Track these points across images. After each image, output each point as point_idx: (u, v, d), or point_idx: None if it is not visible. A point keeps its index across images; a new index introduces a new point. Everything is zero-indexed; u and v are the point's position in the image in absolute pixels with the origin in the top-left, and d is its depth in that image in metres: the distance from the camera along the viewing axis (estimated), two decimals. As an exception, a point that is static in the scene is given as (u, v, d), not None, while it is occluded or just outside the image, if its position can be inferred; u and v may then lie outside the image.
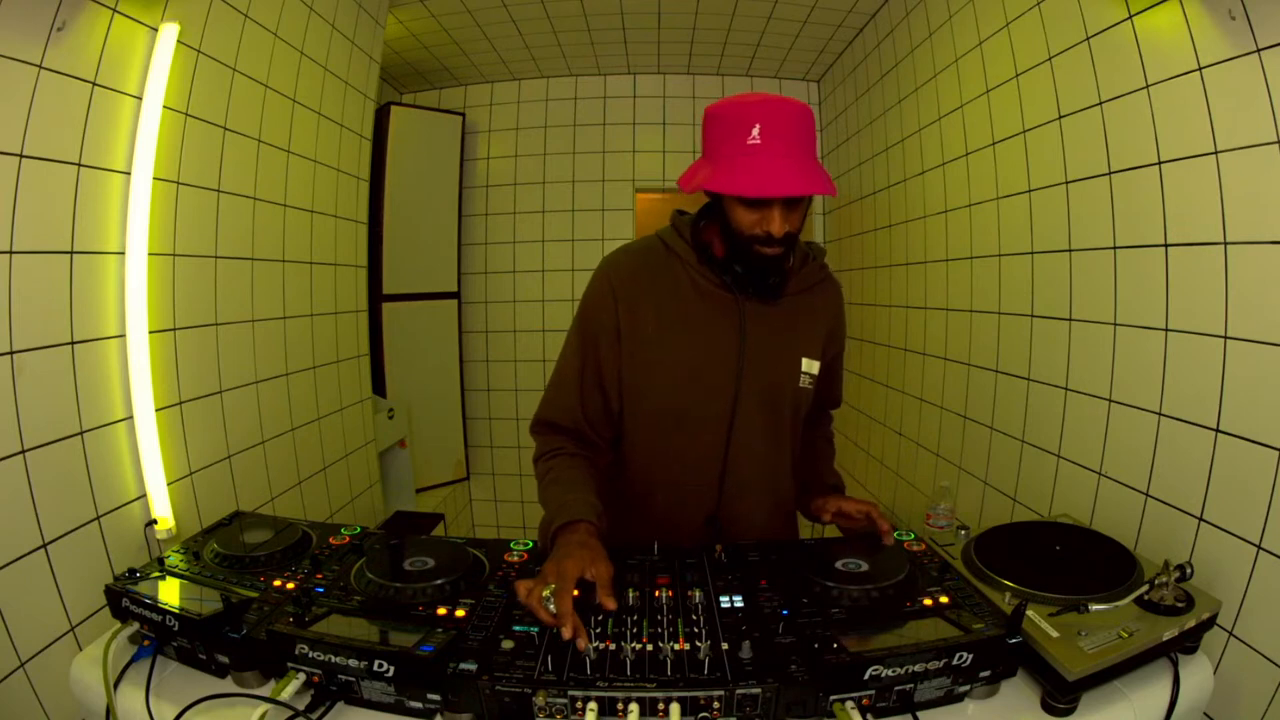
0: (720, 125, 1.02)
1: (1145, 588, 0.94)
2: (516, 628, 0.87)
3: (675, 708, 0.75)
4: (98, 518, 1.34)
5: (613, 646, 0.83)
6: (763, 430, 1.18)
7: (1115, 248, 1.46)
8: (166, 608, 0.90)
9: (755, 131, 0.98)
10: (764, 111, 0.99)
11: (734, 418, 1.15)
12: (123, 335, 1.41)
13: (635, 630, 0.87)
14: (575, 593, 0.90)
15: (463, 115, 3.49)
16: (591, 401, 1.18)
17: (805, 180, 0.98)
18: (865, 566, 0.99)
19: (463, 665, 0.79)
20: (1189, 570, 0.94)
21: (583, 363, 1.18)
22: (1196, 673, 0.93)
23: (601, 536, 1.03)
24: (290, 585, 0.99)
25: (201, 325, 1.66)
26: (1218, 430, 1.20)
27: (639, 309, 1.15)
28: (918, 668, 0.79)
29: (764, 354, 1.16)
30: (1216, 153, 1.19)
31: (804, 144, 1.01)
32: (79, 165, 1.30)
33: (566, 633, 0.83)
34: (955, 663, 0.80)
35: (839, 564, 1.00)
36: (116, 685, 0.89)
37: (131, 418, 1.42)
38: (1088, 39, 1.50)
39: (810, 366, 1.20)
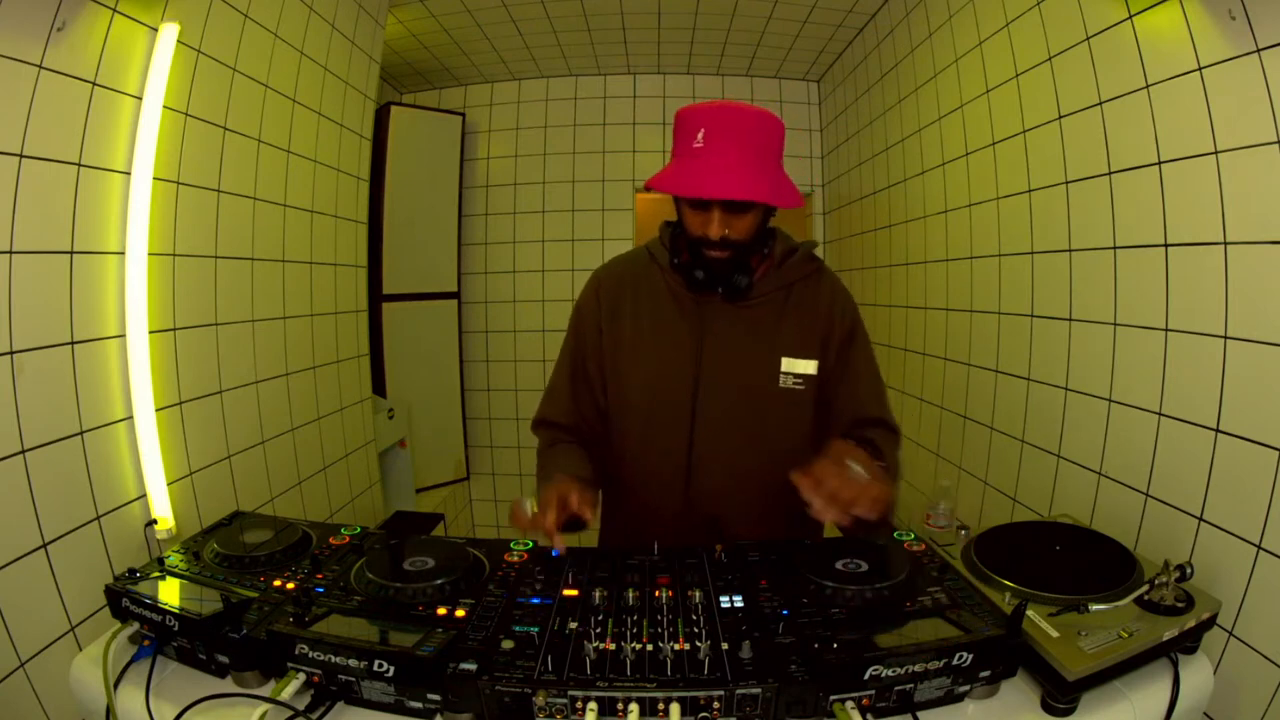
0: (678, 128, 1.08)
1: (1145, 588, 0.94)
2: (516, 628, 0.87)
3: (675, 708, 0.75)
4: (98, 518, 1.34)
5: (613, 647, 0.83)
6: (737, 432, 1.18)
7: (1115, 248, 1.46)
8: (166, 608, 0.90)
9: (700, 135, 1.02)
10: (711, 117, 1.03)
11: (694, 417, 1.18)
12: (123, 335, 1.41)
13: (635, 630, 0.87)
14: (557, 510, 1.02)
15: (463, 115, 3.49)
16: (582, 398, 1.27)
17: (735, 185, 1.00)
18: (865, 566, 0.99)
19: (463, 665, 0.79)
20: (1189, 570, 0.94)
21: (573, 364, 1.28)
22: (1196, 673, 0.93)
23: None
24: (290, 585, 0.99)
25: (201, 325, 1.66)
26: (1218, 430, 1.20)
27: (619, 311, 1.23)
28: (918, 668, 0.79)
29: (732, 355, 1.17)
30: (1216, 153, 1.19)
31: (754, 150, 1.02)
32: (79, 165, 1.30)
33: (550, 528, 1.00)
34: (955, 663, 0.80)
35: (839, 564, 1.00)
36: (116, 685, 0.89)
37: (131, 418, 1.42)
38: (1088, 39, 1.50)
39: (795, 366, 1.18)
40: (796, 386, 1.19)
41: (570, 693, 0.76)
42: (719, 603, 0.94)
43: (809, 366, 1.19)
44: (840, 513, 0.92)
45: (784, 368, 1.18)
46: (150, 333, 1.44)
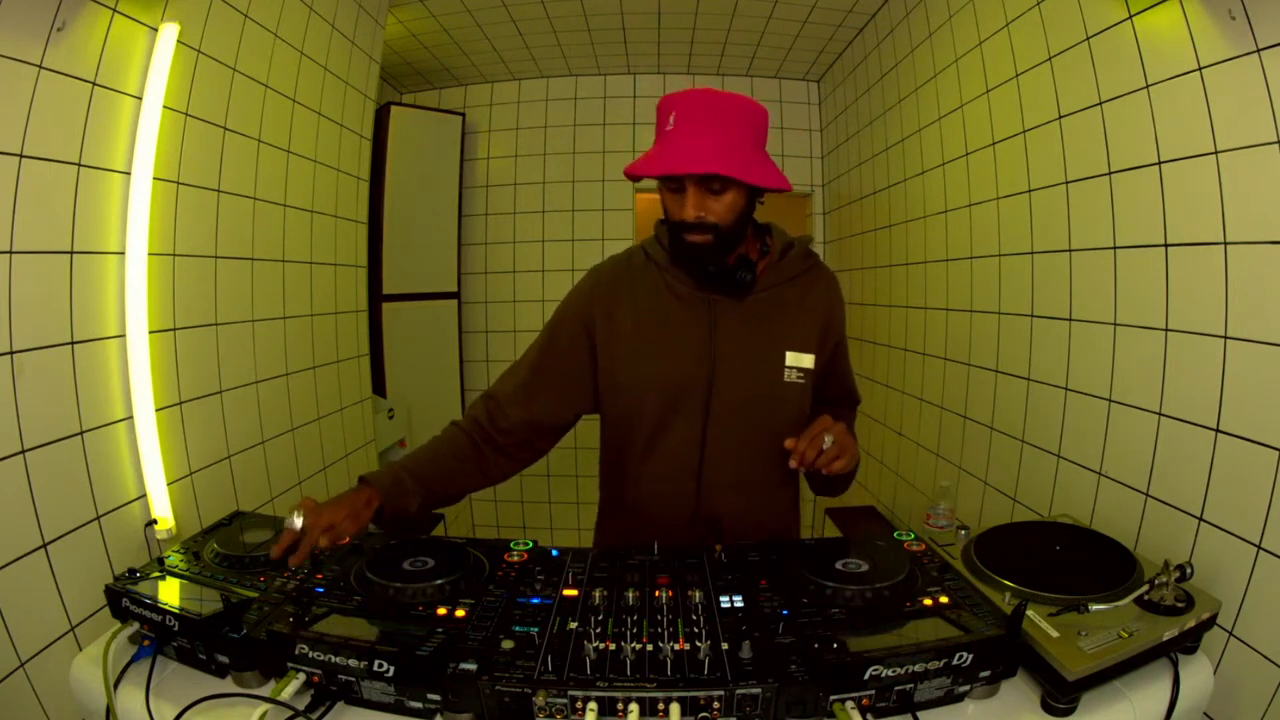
0: (657, 115, 1.09)
1: (1145, 588, 0.94)
2: (516, 628, 0.87)
3: (675, 708, 0.75)
4: (98, 518, 1.34)
5: (613, 647, 0.83)
6: (746, 428, 1.19)
7: (1115, 248, 1.46)
8: (166, 608, 0.90)
9: (672, 118, 1.05)
10: (683, 100, 1.05)
11: (708, 414, 1.17)
12: (123, 335, 1.40)
13: (635, 630, 0.87)
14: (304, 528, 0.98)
15: (463, 115, 3.49)
16: (536, 397, 1.22)
17: (700, 160, 1.01)
18: (865, 566, 0.99)
19: (463, 665, 0.79)
20: (1189, 570, 0.94)
21: (540, 360, 1.23)
22: (1197, 673, 0.93)
23: (385, 506, 1.08)
24: (290, 585, 0.99)
25: (201, 325, 1.66)
26: (1218, 430, 1.20)
27: (616, 311, 1.20)
28: (918, 668, 0.79)
29: (740, 351, 1.17)
30: (1216, 153, 1.19)
31: (725, 130, 1.03)
32: (79, 165, 1.30)
33: (274, 552, 0.96)
34: (955, 663, 0.80)
35: (839, 564, 1.00)
36: (116, 685, 0.89)
37: (131, 418, 1.42)
38: (1088, 39, 1.50)
39: (799, 360, 1.19)
40: (799, 381, 1.20)
41: (570, 693, 0.76)
42: (719, 603, 0.94)
43: (808, 360, 1.20)
44: (801, 465, 1.08)
45: (788, 361, 1.19)
46: (150, 333, 1.44)
